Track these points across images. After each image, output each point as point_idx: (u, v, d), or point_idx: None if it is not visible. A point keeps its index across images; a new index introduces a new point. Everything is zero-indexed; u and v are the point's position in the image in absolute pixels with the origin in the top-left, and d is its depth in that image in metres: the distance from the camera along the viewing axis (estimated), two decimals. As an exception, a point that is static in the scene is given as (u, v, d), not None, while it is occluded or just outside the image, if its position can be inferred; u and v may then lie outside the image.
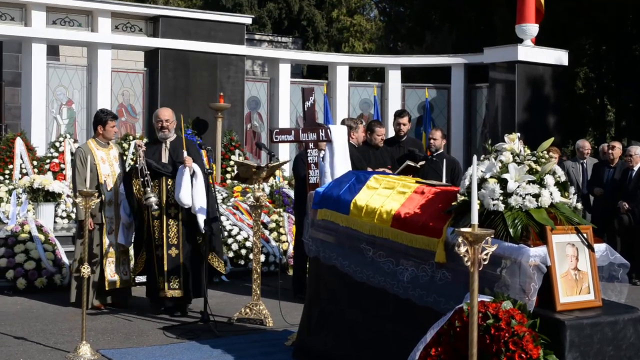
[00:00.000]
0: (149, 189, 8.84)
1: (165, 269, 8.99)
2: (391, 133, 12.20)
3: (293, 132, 7.86)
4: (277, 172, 15.04)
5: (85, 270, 7.37)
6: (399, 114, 11.56)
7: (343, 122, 10.41)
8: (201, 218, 8.89)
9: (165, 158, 9.10)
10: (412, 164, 10.60)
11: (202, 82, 16.97)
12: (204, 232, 8.97)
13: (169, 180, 9.01)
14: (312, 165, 7.72)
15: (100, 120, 9.54)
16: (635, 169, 12.37)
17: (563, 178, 5.49)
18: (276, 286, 9.40)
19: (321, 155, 7.95)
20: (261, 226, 9.79)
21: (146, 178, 8.88)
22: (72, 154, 14.55)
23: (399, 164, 10.71)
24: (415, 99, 19.12)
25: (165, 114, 9.26)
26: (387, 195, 6.33)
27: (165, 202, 9.00)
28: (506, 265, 5.08)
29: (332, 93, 18.67)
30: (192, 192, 8.84)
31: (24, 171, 14.10)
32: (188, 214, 9.00)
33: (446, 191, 6.06)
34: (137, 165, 8.99)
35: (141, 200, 8.93)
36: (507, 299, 4.90)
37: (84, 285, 7.43)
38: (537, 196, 5.24)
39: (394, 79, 19.15)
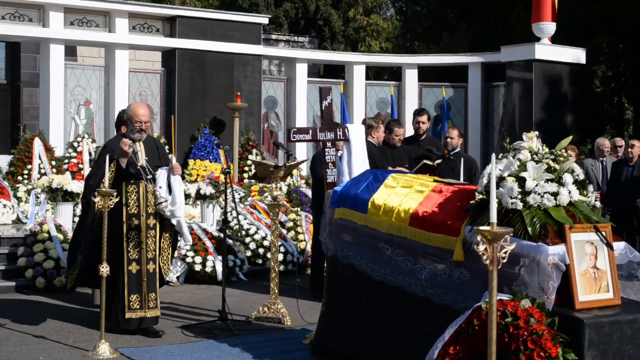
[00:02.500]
0: (161, 193, 8.10)
1: (145, 287, 8.18)
2: (410, 132, 12.19)
3: (310, 131, 7.87)
4: (295, 172, 15.06)
5: (104, 269, 7.40)
6: (418, 113, 11.54)
7: (364, 122, 10.40)
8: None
9: (142, 160, 8.29)
10: (429, 162, 10.58)
11: (219, 82, 17.00)
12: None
13: (149, 186, 8.25)
14: (330, 164, 7.73)
15: (124, 120, 9.51)
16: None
17: (581, 176, 5.48)
18: (294, 285, 9.42)
19: (339, 154, 7.95)
20: (279, 225, 9.80)
21: (149, 177, 8.20)
22: (90, 154, 14.62)
23: (416, 163, 10.70)
24: (432, 98, 19.09)
25: (146, 114, 8.36)
26: (405, 194, 6.34)
27: (145, 211, 8.21)
28: (525, 264, 5.08)
29: (349, 92, 18.66)
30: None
31: (43, 171, 14.16)
32: (167, 224, 8.43)
33: (464, 190, 6.05)
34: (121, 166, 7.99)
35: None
36: (525, 297, 4.90)
37: (103, 284, 7.46)
38: (555, 194, 5.23)
39: (411, 78, 19.12)
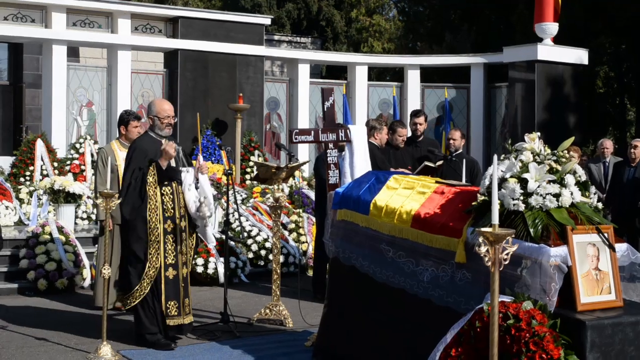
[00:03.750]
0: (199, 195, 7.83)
1: (181, 292, 7.82)
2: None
3: (312, 132, 7.86)
4: (297, 173, 15.05)
5: (106, 271, 7.39)
6: (414, 114, 11.56)
7: (367, 123, 10.40)
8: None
9: (172, 160, 7.88)
10: (430, 164, 10.58)
11: (221, 83, 17.00)
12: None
13: (179, 187, 7.91)
14: (332, 165, 7.72)
15: (122, 120, 9.48)
16: (657, 168, 12.29)
17: (584, 177, 5.47)
18: (296, 287, 9.41)
19: (342, 155, 7.95)
20: (281, 227, 9.79)
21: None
22: (92, 155, 14.63)
23: (418, 164, 10.70)
24: (434, 99, 19.08)
25: (172, 108, 8.06)
26: (407, 195, 6.33)
27: (179, 212, 7.86)
28: (527, 265, 5.07)
29: (351, 93, 18.66)
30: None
31: (45, 172, 14.17)
32: (192, 226, 8.09)
33: (466, 191, 6.04)
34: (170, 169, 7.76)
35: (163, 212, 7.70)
36: (527, 299, 4.89)
37: (104, 286, 7.45)
38: (557, 196, 5.22)
39: (413, 78, 19.11)
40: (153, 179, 7.67)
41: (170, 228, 7.77)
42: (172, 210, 7.80)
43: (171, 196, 7.82)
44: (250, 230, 12.25)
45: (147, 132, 8.07)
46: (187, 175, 7.93)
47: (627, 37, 23.87)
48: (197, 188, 7.94)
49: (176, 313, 7.77)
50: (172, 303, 7.75)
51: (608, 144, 13.84)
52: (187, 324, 7.93)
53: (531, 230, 5.10)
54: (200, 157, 8.20)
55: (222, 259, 10.98)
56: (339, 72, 26.11)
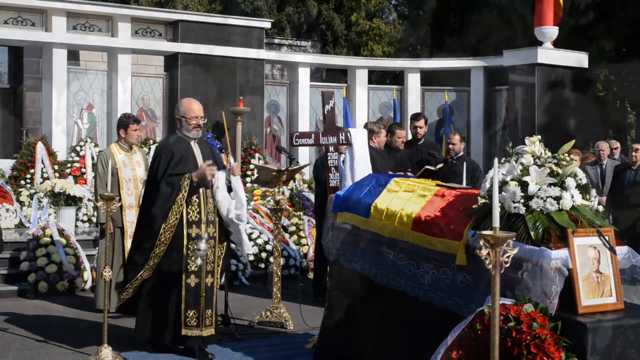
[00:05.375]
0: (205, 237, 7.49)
1: (202, 302, 7.45)
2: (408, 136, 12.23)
3: (313, 135, 7.87)
4: (297, 176, 15.05)
5: (107, 273, 7.39)
6: (415, 117, 11.57)
7: (366, 126, 10.41)
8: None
9: (200, 162, 7.61)
10: (431, 168, 10.58)
11: (221, 87, 17.00)
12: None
13: (208, 190, 7.60)
14: (332, 168, 7.72)
15: (122, 123, 9.53)
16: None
17: (584, 180, 5.47)
18: (297, 289, 9.41)
19: (341, 158, 7.95)
20: (281, 229, 9.79)
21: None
22: (92, 158, 14.63)
23: (419, 167, 10.70)
24: (434, 102, 19.08)
25: (201, 109, 7.77)
26: (408, 198, 6.33)
27: (206, 218, 7.55)
28: (527, 268, 5.07)
29: (351, 96, 18.66)
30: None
31: (45, 175, 14.17)
32: (223, 233, 7.78)
33: (467, 194, 6.04)
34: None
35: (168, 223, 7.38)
36: (528, 301, 4.88)
37: (105, 288, 7.45)
38: (558, 199, 5.22)
39: (414, 82, 19.12)
40: (183, 195, 7.40)
41: (195, 234, 7.45)
42: (197, 215, 7.49)
43: (197, 200, 7.51)
44: (251, 233, 12.24)
45: (175, 132, 7.83)
46: (219, 178, 7.64)
47: (627, 40, 23.89)
48: (229, 191, 7.71)
49: (195, 323, 7.41)
50: (192, 313, 7.42)
51: (604, 146, 13.85)
52: (207, 336, 7.53)
53: (532, 233, 5.10)
54: (231, 159, 7.93)
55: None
56: (339, 75, 26.10)
